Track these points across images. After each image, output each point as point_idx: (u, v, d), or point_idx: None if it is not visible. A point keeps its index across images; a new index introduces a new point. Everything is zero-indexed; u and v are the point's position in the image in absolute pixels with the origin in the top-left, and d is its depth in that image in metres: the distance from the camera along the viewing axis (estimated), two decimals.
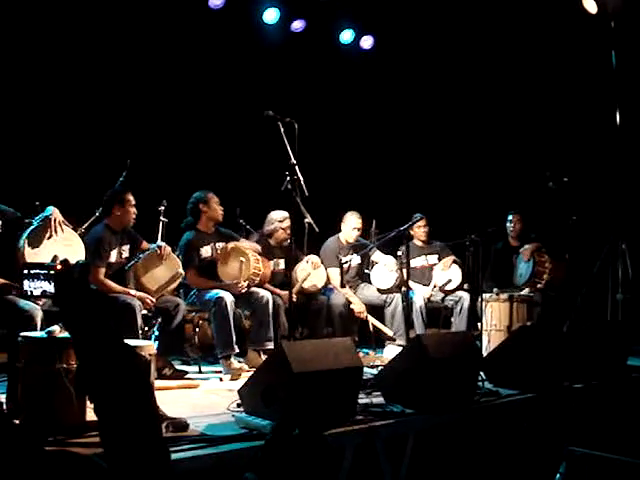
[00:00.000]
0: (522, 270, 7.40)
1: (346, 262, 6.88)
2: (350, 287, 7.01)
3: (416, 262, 7.39)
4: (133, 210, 5.48)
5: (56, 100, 6.77)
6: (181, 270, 5.62)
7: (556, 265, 7.27)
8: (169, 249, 5.61)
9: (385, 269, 6.99)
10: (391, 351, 6.75)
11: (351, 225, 7.05)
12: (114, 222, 5.44)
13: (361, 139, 9.09)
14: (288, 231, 6.44)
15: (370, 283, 7.12)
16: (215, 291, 5.70)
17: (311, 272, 6.48)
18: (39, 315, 4.14)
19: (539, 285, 7.21)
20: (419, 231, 7.45)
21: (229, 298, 5.63)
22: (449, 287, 7.22)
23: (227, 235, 6.20)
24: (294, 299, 5.58)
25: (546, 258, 7.26)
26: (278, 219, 6.58)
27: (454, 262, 7.26)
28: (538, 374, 4.85)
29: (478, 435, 4.39)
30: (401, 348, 6.67)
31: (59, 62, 6.81)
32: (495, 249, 7.61)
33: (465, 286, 7.29)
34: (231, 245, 5.97)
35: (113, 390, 1.44)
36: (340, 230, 7.15)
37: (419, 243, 7.52)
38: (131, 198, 5.47)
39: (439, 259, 7.42)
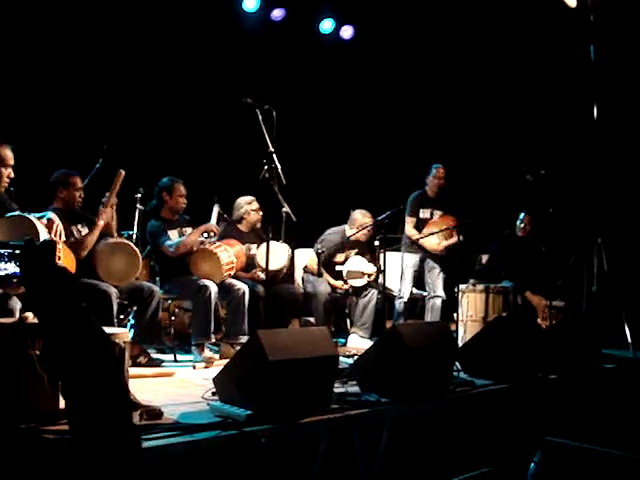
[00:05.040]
0: None
1: (322, 252, 6.88)
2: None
3: (423, 213, 7.35)
4: (79, 194, 5.32)
5: (31, 84, 6.69)
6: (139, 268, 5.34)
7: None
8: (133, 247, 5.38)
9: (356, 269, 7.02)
10: (355, 340, 6.79)
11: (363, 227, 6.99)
12: (61, 204, 5.27)
13: (339, 128, 9.08)
14: (260, 212, 6.47)
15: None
16: (199, 279, 5.66)
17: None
18: (17, 308, 4.08)
19: None
20: (435, 181, 7.32)
21: (214, 288, 5.60)
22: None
23: (190, 221, 6.17)
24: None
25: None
26: (247, 202, 6.57)
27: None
28: (513, 365, 4.88)
29: (453, 425, 4.41)
30: (364, 339, 6.74)
31: (35, 48, 6.74)
32: (503, 235, 7.64)
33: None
34: (198, 247, 5.90)
35: (81, 371, 1.41)
36: (345, 221, 7.16)
37: (430, 194, 7.40)
38: (77, 181, 5.32)
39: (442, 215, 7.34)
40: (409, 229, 7.28)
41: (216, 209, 6.26)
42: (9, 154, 4.68)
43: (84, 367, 1.46)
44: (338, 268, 7.00)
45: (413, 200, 7.33)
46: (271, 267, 5.63)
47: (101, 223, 5.22)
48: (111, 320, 4.88)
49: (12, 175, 4.70)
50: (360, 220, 6.99)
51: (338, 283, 6.99)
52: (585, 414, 4.96)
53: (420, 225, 7.31)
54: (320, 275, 6.86)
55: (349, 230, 7.05)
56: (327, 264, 7.02)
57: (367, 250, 7.20)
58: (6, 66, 6.51)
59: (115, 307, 5.01)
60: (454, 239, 6.94)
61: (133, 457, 1.43)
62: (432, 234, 7.02)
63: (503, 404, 4.75)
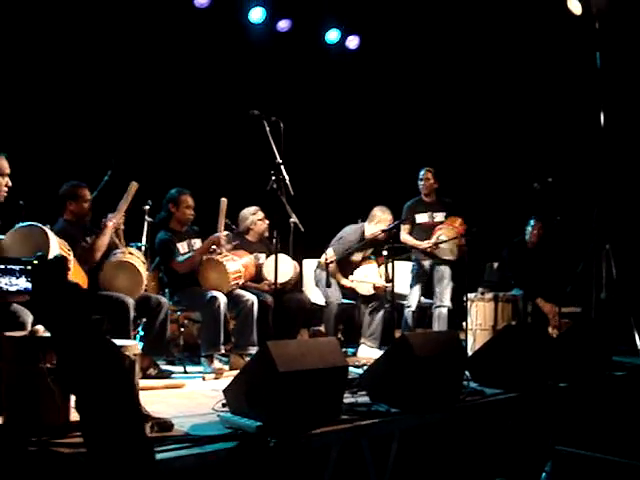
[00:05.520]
0: None
1: (331, 261, 6.85)
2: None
3: (421, 218, 7.35)
4: (87, 205, 5.34)
5: (40, 97, 6.73)
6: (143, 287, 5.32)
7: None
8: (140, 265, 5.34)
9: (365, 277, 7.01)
10: (364, 351, 6.78)
11: (381, 225, 6.91)
12: (70, 216, 5.29)
13: (347, 139, 9.09)
14: (266, 221, 6.50)
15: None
16: (209, 291, 5.67)
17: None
18: (28, 321, 4.08)
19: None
20: (423, 184, 7.35)
21: (223, 299, 5.61)
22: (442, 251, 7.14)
23: (199, 233, 6.18)
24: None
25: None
26: (251, 212, 6.62)
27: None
28: (523, 373, 4.86)
29: (463, 434, 4.40)
30: (373, 349, 6.73)
31: (44, 62, 6.78)
32: (513, 242, 7.64)
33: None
34: (205, 257, 5.89)
35: (95, 386, 1.42)
36: (364, 219, 7.15)
37: (426, 199, 7.41)
38: (86, 193, 5.33)
39: (446, 217, 7.29)
40: (402, 235, 7.28)
41: (223, 206, 6.11)
42: (4, 163, 4.60)
43: (95, 380, 1.47)
44: (351, 278, 7.01)
45: (407, 208, 7.38)
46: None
47: (110, 224, 5.23)
48: (127, 330, 4.89)
49: (9, 184, 4.58)
50: (380, 216, 6.94)
51: (348, 283, 6.97)
52: (596, 422, 4.94)
53: (420, 231, 7.30)
54: (329, 285, 6.81)
55: (368, 227, 7.01)
56: (343, 262, 6.98)
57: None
58: (14, 78, 6.56)
59: (132, 317, 5.01)
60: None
61: (147, 469, 1.44)
62: (439, 244, 7.00)
63: (513, 413, 4.73)
